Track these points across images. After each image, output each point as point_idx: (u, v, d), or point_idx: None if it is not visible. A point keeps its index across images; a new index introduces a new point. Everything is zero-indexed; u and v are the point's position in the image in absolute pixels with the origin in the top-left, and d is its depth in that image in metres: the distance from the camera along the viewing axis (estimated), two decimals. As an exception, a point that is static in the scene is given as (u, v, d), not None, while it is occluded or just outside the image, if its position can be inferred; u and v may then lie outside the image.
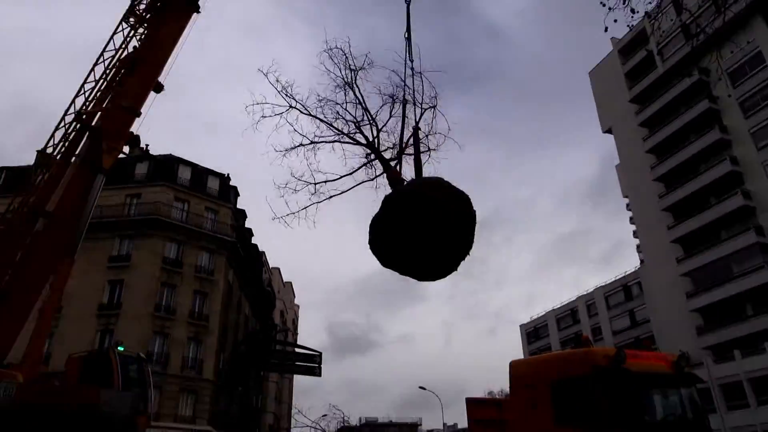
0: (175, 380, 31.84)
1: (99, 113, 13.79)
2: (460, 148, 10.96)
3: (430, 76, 10.13)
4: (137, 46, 14.42)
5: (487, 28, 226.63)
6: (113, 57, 14.23)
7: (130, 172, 36.59)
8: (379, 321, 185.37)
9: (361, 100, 10.20)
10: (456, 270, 6.31)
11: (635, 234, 56.66)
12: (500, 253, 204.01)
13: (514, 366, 10.04)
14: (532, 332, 73.15)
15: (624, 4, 6.55)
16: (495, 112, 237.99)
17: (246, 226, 45.49)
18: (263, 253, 51.70)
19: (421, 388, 50.08)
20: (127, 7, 14.72)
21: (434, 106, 9.84)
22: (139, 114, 14.12)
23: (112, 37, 14.53)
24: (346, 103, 10.40)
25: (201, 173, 39.52)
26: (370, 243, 6.41)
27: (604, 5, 6.53)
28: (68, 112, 14.07)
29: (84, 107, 13.94)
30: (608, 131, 52.31)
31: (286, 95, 9.84)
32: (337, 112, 10.46)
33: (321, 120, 9.96)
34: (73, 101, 14.10)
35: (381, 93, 10.57)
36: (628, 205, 56.81)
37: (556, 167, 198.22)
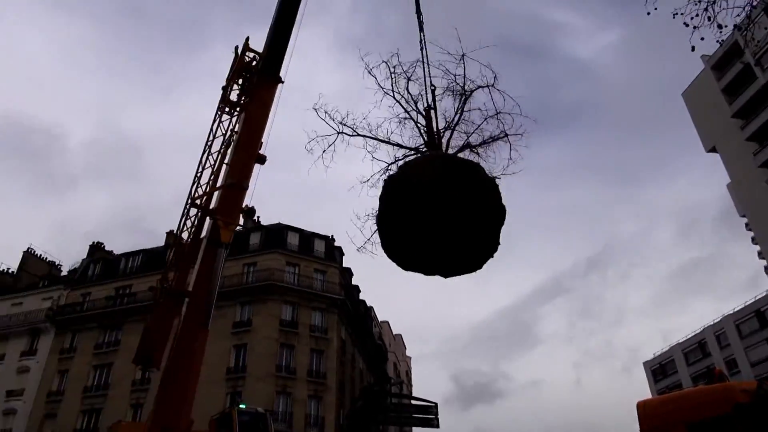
0: (300, 437, 33.45)
1: (215, 194, 15.59)
2: (523, 142, 8.25)
3: (482, 55, 8.27)
4: (233, 127, 15.72)
5: (575, 66, 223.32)
6: (211, 141, 15.88)
7: (245, 242, 40.02)
8: (502, 367, 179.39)
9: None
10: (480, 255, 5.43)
11: (760, 255, 52.24)
12: (616, 290, 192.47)
13: (643, 407, 9.31)
14: (658, 369, 68.03)
15: (709, 21, 6.21)
16: (594, 148, 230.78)
17: (353, 283, 47.52)
18: (371, 308, 53.32)
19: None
20: (220, 97, 16.01)
21: (487, 86, 7.93)
22: (246, 188, 14.94)
23: (212, 127, 16.02)
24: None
25: (308, 237, 42.30)
26: (382, 247, 5.78)
27: (687, 26, 6.27)
28: (193, 197, 16.20)
29: (195, 192, 15.98)
30: (712, 150, 49.59)
31: (341, 123, 8.61)
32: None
33: (374, 138, 8.56)
34: (192, 189, 16.22)
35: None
36: (747, 224, 52.74)
37: (666, 195, 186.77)
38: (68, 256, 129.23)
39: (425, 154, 6.57)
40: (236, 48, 15.69)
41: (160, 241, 45.50)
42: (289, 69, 14.83)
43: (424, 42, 7.39)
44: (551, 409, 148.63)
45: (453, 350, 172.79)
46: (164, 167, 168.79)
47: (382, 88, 8.02)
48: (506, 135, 8.07)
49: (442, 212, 4.88)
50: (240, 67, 15.50)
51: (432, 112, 7.22)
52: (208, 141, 16.16)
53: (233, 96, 15.89)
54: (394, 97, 8.07)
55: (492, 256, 5.46)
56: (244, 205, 15.24)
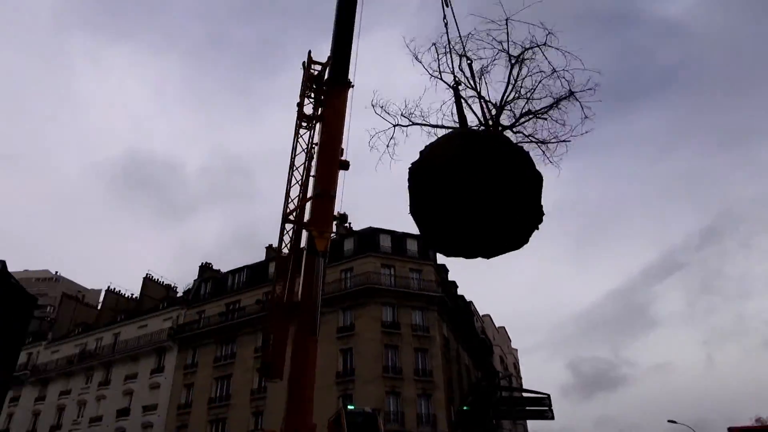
0: (413, 436, 33.63)
1: (307, 206, 15.99)
2: (595, 96, 7.52)
3: (536, 15, 7.66)
4: (313, 140, 15.98)
5: (666, 27, 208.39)
6: (294, 157, 16.23)
7: (340, 249, 40.96)
8: (622, 352, 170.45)
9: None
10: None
11: None
12: (738, 260, 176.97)
13: None
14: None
15: None
16: (695, 111, 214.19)
17: (450, 279, 47.18)
18: (471, 302, 52.69)
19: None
20: (296, 114, 16.30)
21: (537, 46, 7.30)
22: (334, 196, 15.05)
23: (293, 143, 16.38)
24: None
25: (400, 238, 42.53)
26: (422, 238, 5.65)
27: None
28: (286, 213, 16.75)
29: (287, 208, 16.49)
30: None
31: (402, 116, 8.26)
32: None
33: (427, 125, 8.17)
34: (284, 205, 16.74)
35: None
36: None
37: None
38: (184, 277, 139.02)
39: (444, 135, 6.19)
40: (303, 63, 16.01)
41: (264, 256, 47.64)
42: (365, 72, 14.74)
43: (451, 9, 7.19)
44: (683, 393, 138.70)
45: (563, 338, 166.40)
46: (270, 182, 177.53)
47: (429, 72, 7.80)
48: (572, 93, 7.58)
49: (470, 191, 4.54)
50: (308, 80, 15.76)
51: (460, 88, 6.93)
52: (292, 157, 16.60)
53: (308, 109, 16.17)
54: (441, 78, 7.81)
55: (537, 228, 5.03)
56: (335, 213, 15.49)
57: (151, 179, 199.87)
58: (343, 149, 15.30)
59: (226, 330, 42.29)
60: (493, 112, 7.43)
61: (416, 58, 8.01)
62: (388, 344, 36.70)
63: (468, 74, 7.69)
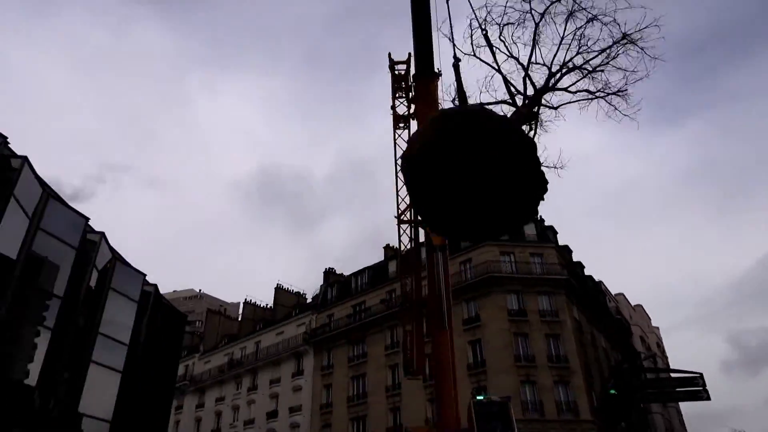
0: (554, 425, 32.56)
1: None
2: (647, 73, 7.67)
3: None
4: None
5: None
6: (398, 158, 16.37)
7: (456, 241, 40.74)
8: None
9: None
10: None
11: None
12: None
13: None
14: None
15: None
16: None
17: (575, 260, 45.14)
18: (600, 282, 50.03)
19: None
20: (391, 117, 16.34)
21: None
22: None
23: (394, 146, 16.33)
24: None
25: (515, 223, 41.40)
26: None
27: None
28: (398, 214, 16.92)
29: (399, 209, 16.59)
30: None
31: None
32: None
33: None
34: (396, 206, 16.89)
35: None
36: None
37: None
38: (312, 284, 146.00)
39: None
40: (389, 66, 16.01)
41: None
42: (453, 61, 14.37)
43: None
44: None
45: (716, 311, 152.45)
46: (392, 182, 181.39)
47: (462, 51, 7.85)
48: (625, 37, 7.22)
49: (456, 174, 4.20)
50: (395, 82, 15.71)
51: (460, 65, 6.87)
52: (395, 159, 16.65)
53: (402, 109, 16.32)
54: (476, 56, 7.98)
55: (542, 198, 4.59)
56: None
57: (283, 192, 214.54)
58: None
59: (355, 331, 43.75)
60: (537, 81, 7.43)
61: (451, 41, 8.19)
62: (517, 332, 35.89)
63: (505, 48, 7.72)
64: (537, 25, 8.33)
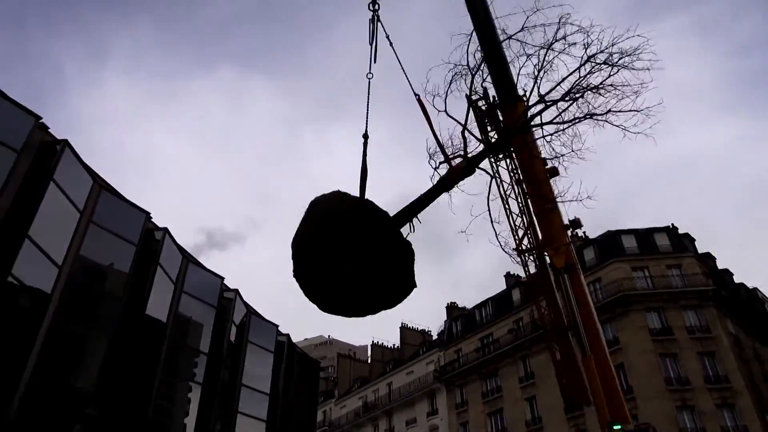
0: (725, 454, 29.05)
1: (535, 232, 15.43)
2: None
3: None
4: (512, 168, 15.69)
5: None
6: (505, 191, 15.77)
7: (581, 260, 38.61)
8: None
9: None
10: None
11: None
12: None
13: None
14: None
15: None
16: None
17: (720, 267, 40.93)
18: (755, 289, 44.75)
19: None
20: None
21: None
22: (552, 207, 14.37)
23: (497, 182, 16.13)
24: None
25: (645, 235, 38.56)
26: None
27: None
28: (517, 246, 16.24)
29: (516, 241, 15.91)
30: None
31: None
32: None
33: None
34: (515, 240, 16.23)
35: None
36: None
37: None
38: (433, 318, 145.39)
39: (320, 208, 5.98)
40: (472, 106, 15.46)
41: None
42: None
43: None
44: None
45: None
46: None
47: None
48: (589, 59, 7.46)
49: (331, 266, 4.72)
50: (478, 118, 14.98)
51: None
52: (501, 194, 16.03)
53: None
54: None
55: (408, 295, 5.11)
56: (564, 222, 14.84)
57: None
58: (545, 159, 14.57)
59: (486, 364, 42.51)
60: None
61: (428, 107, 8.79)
62: (663, 353, 32.90)
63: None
64: (473, 75, 9.16)
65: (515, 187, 15.43)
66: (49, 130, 13.04)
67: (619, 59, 8.68)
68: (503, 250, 15.42)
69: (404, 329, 56.96)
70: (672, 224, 39.50)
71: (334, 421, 55.77)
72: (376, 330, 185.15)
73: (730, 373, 31.51)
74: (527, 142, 14.47)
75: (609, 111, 9.42)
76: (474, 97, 13.52)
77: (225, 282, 19.46)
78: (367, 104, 7.36)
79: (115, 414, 13.43)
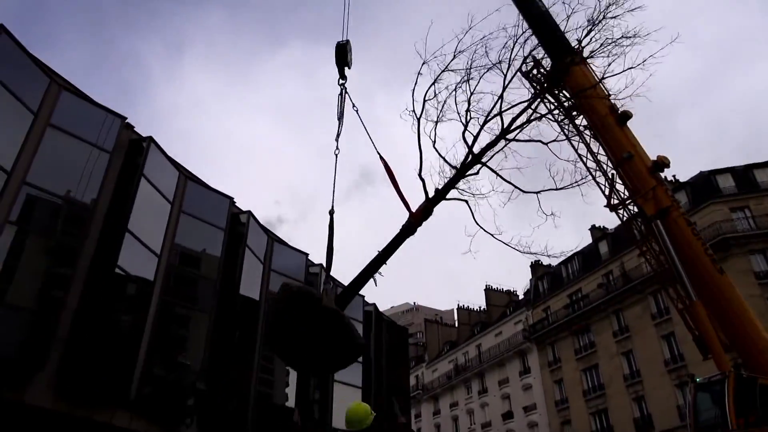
0: None
1: (624, 187, 14.77)
2: None
3: None
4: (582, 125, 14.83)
5: None
6: (590, 153, 14.99)
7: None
8: None
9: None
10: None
11: None
12: None
13: None
14: None
15: None
16: None
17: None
18: None
19: None
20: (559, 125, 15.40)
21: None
22: (628, 156, 14.08)
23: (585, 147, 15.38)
24: None
25: (742, 173, 35.76)
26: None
27: None
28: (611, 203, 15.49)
29: (613, 199, 15.17)
30: None
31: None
32: None
33: None
34: (609, 199, 15.46)
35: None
36: None
37: None
38: (516, 279, 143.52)
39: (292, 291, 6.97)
40: (530, 72, 14.69)
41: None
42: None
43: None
44: None
45: None
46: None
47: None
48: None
49: (292, 335, 6.13)
50: (536, 86, 14.20)
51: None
52: (591, 156, 15.24)
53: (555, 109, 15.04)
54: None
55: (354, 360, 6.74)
56: (647, 164, 14.21)
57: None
58: (614, 104, 13.95)
59: (577, 320, 41.57)
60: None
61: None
62: (773, 297, 30.72)
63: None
64: (419, 120, 8.82)
65: (590, 144, 14.81)
66: (135, 129, 13.83)
67: None
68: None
69: (489, 291, 56.65)
70: (776, 158, 36.35)
71: (426, 385, 56.88)
72: (461, 294, 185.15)
73: None
74: (586, 76, 13.91)
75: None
76: (525, 68, 13.15)
77: (310, 258, 20.08)
78: (334, 180, 7.37)
79: (223, 387, 14.39)
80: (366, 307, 22.99)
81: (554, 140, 10.78)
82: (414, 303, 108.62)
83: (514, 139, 9.37)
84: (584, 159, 14.59)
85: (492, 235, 9.24)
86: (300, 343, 6.00)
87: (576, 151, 14.30)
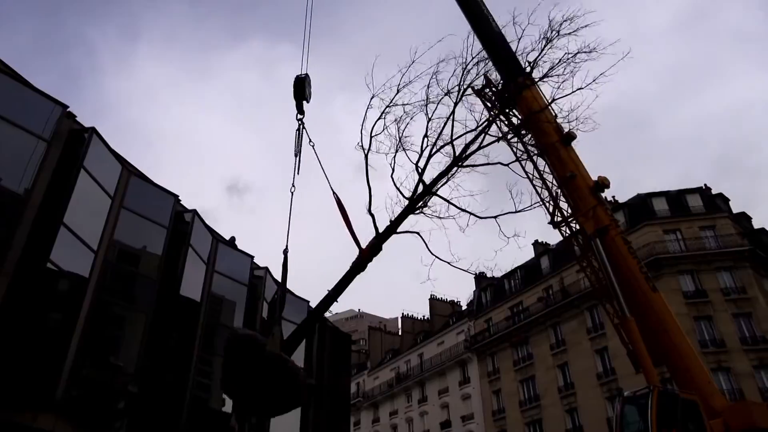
0: None
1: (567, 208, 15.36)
2: None
3: None
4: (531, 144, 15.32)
5: None
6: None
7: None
8: None
9: None
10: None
11: None
12: None
13: None
14: None
15: None
16: None
17: (756, 227, 39.89)
18: (792, 247, 43.53)
19: None
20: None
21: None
22: (572, 176, 14.61)
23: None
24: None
25: (676, 197, 37.75)
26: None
27: None
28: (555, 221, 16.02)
29: (556, 217, 15.74)
30: None
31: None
32: None
33: None
34: (552, 217, 16.00)
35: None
36: None
37: None
38: (462, 289, 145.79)
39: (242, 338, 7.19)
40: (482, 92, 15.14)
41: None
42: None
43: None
44: None
45: None
46: None
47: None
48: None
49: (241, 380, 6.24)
50: (489, 105, 14.62)
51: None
52: (538, 174, 15.73)
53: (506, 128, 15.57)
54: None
55: (299, 406, 6.89)
56: (586, 187, 14.83)
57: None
58: (561, 127, 14.49)
59: (516, 333, 42.60)
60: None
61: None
62: (698, 316, 32.48)
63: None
64: (366, 156, 9.25)
65: (536, 163, 15.33)
66: (77, 119, 13.27)
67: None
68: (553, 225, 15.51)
69: (433, 300, 57.25)
70: (705, 185, 38.59)
71: (367, 392, 56.81)
72: (406, 303, 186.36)
73: (767, 333, 30.98)
74: (536, 99, 14.49)
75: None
76: (477, 87, 13.55)
77: (254, 261, 19.76)
78: (289, 218, 7.33)
79: (157, 390, 13.91)
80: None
81: (503, 164, 11.17)
82: (359, 310, 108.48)
83: (467, 166, 9.41)
84: (531, 177, 15.11)
85: (449, 263, 9.31)
86: (246, 388, 6.09)
87: (524, 169, 14.79)
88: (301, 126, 7.78)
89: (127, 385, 11.46)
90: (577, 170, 14.83)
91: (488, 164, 10.01)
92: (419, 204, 8.78)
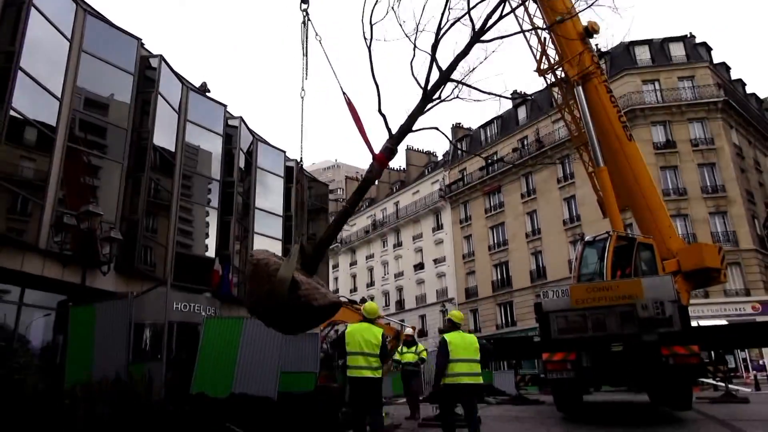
0: (711, 256, 31.14)
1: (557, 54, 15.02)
2: None
3: None
4: None
5: None
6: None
7: (590, 77, 37.52)
8: None
9: None
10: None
11: None
12: None
13: None
14: None
15: None
16: None
17: (734, 77, 39.77)
18: (767, 98, 43.97)
19: None
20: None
21: None
22: (560, 19, 14.25)
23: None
24: None
25: (659, 45, 36.85)
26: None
27: None
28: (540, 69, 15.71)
29: (543, 64, 15.37)
30: None
31: None
32: None
33: None
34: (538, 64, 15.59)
35: None
36: None
37: None
38: (440, 142, 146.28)
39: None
40: None
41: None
42: None
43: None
44: None
45: None
46: None
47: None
48: None
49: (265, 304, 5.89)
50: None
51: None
52: (528, 18, 15.02)
53: None
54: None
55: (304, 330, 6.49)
56: (579, 30, 14.47)
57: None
58: None
59: (490, 182, 43.82)
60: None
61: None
62: (665, 166, 33.51)
63: None
64: (369, 48, 7.44)
65: (527, 7, 14.57)
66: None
67: None
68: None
69: (410, 151, 57.69)
70: (690, 33, 37.55)
71: (345, 238, 59.40)
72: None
73: (727, 182, 32.39)
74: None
75: None
76: None
77: (228, 110, 19.31)
78: (302, 126, 6.83)
79: (140, 237, 14.31)
80: (288, 163, 22.92)
81: (523, 31, 10.30)
82: (336, 160, 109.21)
83: (489, 40, 8.19)
84: (519, 20, 14.50)
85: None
86: (264, 313, 6.05)
87: (516, 17, 14.16)
88: (306, 18, 6.96)
89: (111, 231, 11.73)
90: (568, 13, 14.25)
91: (507, 36, 8.56)
92: (435, 96, 7.82)
